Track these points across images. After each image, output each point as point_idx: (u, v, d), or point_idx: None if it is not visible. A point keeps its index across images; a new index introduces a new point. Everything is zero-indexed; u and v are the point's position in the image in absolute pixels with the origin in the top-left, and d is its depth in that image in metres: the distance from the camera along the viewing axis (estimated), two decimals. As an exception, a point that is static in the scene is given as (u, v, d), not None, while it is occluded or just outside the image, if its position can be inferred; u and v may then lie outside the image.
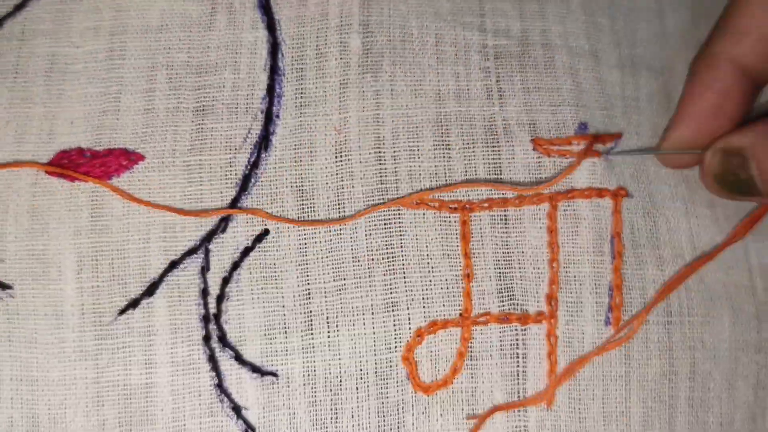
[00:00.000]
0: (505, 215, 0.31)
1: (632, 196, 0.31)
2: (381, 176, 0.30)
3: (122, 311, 0.29)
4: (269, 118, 0.30)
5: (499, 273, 0.30)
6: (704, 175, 0.30)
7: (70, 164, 0.29)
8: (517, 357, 0.29)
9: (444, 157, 0.31)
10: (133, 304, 0.29)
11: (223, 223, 0.29)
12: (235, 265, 0.29)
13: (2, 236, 0.29)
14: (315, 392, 0.29)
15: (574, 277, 0.30)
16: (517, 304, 0.30)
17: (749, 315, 0.30)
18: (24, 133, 0.30)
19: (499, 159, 0.31)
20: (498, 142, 0.31)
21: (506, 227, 0.30)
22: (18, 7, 0.31)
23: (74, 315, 0.29)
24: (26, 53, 0.31)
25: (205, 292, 0.29)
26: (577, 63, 0.32)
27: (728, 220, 0.31)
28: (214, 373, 0.29)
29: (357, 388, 0.29)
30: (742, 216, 0.31)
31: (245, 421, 0.28)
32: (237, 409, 0.28)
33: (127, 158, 0.30)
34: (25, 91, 0.30)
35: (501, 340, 0.30)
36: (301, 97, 0.31)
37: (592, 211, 0.31)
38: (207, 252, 0.29)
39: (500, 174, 0.31)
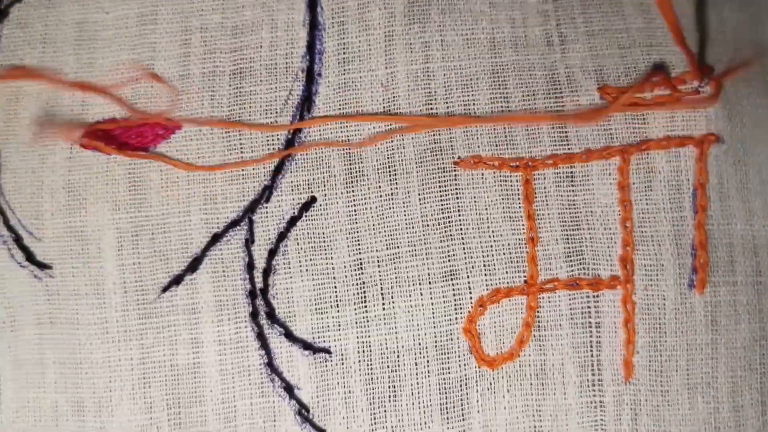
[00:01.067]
0: (572, 172, 0.28)
1: (723, 142, 0.28)
2: (434, 135, 0.28)
3: (165, 288, 0.27)
4: (311, 77, 0.28)
5: (567, 235, 0.27)
6: None
7: (105, 136, 0.28)
8: (590, 326, 0.27)
9: (503, 111, 0.28)
10: (176, 280, 0.27)
11: (267, 192, 0.28)
12: (282, 236, 0.27)
13: (39, 214, 0.28)
14: (371, 369, 0.27)
15: (651, 236, 0.27)
16: (588, 269, 0.27)
17: None
18: (55, 105, 0.29)
19: (563, 109, 0.28)
20: (561, 92, 0.28)
21: (573, 185, 0.28)
22: None
23: (116, 294, 0.27)
24: (53, 21, 0.29)
25: (250, 266, 0.27)
26: None
27: None
28: (263, 351, 0.27)
29: (416, 364, 0.27)
30: None
31: (298, 401, 0.27)
32: (289, 389, 0.27)
33: (164, 127, 0.28)
34: (55, 60, 0.29)
35: (571, 308, 0.27)
36: (344, 52, 0.28)
37: (670, 163, 0.28)
38: (251, 223, 0.27)
39: (565, 128, 0.28)
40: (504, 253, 0.27)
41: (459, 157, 0.28)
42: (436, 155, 0.28)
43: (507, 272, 0.27)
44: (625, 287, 0.27)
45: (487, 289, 0.27)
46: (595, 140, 0.28)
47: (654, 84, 0.27)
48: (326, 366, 0.27)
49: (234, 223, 0.27)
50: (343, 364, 0.27)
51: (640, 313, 0.27)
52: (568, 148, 0.28)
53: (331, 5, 0.29)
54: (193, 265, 0.27)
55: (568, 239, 0.27)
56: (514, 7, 0.29)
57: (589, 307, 0.27)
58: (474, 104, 0.28)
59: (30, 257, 0.28)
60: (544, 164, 0.28)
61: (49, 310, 0.28)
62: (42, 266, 0.28)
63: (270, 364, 0.27)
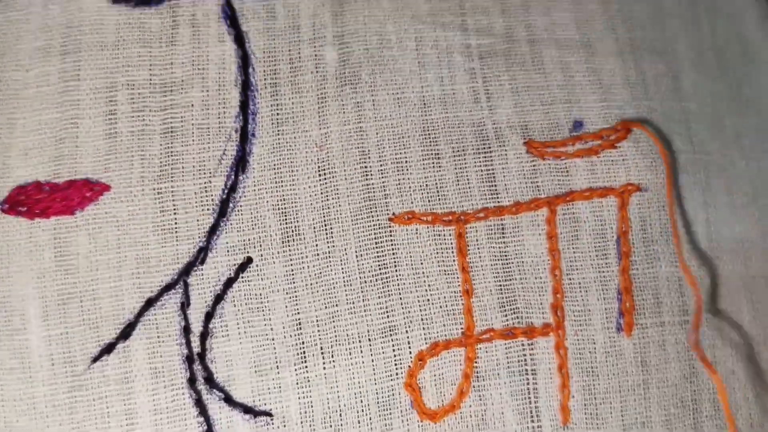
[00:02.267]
0: (502, 224, 0.29)
1: (646, 190, 0.29)
2: (369, 192, 0.28)
3: (96, 358, 0.26)
4: (245, 137, 0.28)
5: (500, 285, 0.28)
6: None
7: (28, 200, 0.27)
8: (527, 373, 0.28)
9: (434, 167, 0.29)
10: (108, 349, 0.26)
11: (202, 254, 0.27)
12: (218, 299, 0.27)
13: None
14: (314, 430, 0.27)
15: (579, 283, 0.29)
16: (522, 317, 0.28)
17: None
18: None
19: (492, 165, 0.29)
20: (490, 147, 0.29)
21: (504, 237, 0.29)
22: None
23: (43, 367, 0.26)
24: None
25: (186, 330, 0.27)
26: (567, 56, 0.30)
27: (745, 206, 0.30)
28: (202, 419, 0.26)
29: (359, 422, 0.27)
30: (760, 200, 0.30)
31: (240, 468, 0.26)
32: (230, 456, 0.26)
33: (91, 189, 0.27)
34: None
35: (508, 357, 0.28)
36: (278, 113, 0.29)
37: (593, 213, 0.29)
38: (186, 286, 0.27)
39: (494, 181, 0.29)
40: (441, 306, 0.28)
41: (393, 214, 0.28)
42: (371, 212, 0.28)
43: (444, 325, 0.28)
44: (557, 333, 0.28)
45: (426, 343, 0.28)
46: (523, 193, 0.29)
47: (575, 138, 0.29)
48: (268, 429, 0.27)
49: (168, 287, 0.27)
50: (285, 426, 0.27)
51: (573, 357, 0.28)
52: (498, 201, 0.29)
53: (263, 67, 0.29)
54: (126, 332, 0.26)
55: (501, 290, 0.28)
56: (442, 66, 0.30)
57: (524, 354, 0.28)
58: (406, 161, 0.29)
59: (-53, 332, 0.26)
60: (476, 218, 0.29)
61: (-30, 388, 0.26)
62: (-39, 341, 0.26)
63: (210, 432, 0.26)
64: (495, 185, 0.29)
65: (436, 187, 0.29)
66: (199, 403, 0.26)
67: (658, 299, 0.29)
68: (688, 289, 0.29)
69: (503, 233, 0.29)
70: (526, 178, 0.29)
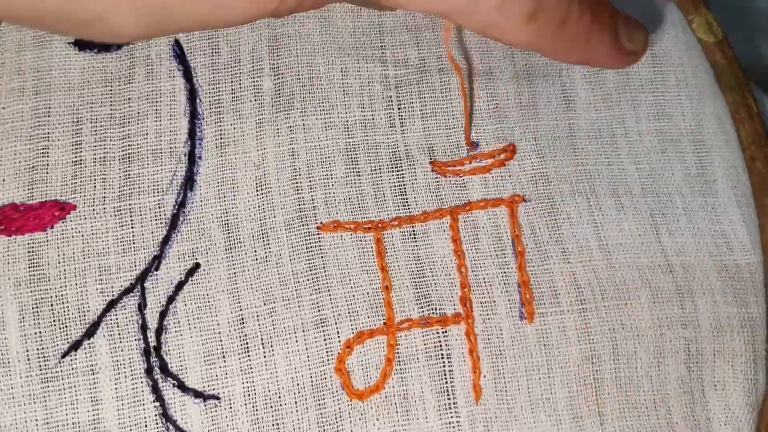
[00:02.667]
0: (413, 230, 0.33)
1: (530, 201, 0.34)
2: (300, 205, 0.33)
3: (65, 354, 0.30)
4: (192, 160, 0.32)
5: (415, 282, 0.33)
6: None
7: (5, 219, 0.31)
8: (442, 357, 0.32)
9: (355, 183, 0.33)
10: (75, 346, 0.30)
11: (157, 261, 0.31)
12: (171, 299, 0.31)
13: None
14: (256, 410, 0.31)
15: (483, 279, 0.33)
16: (436, 309, 0.32)
17: (669, 292, 0.33)
18: None
19: (404, 181, 0.34)
20: (402, 166, 0.34)
21: (415, 241, 0.33)
22: None
23: (20, 361, 0.30)
24: None
25: (144, 327, 0.31)
26: (471, 83, 0.35)
27: (634, 204, 0.34)
28: (158, 403, 0.30)
29: (296, 402, 0.31)
30: (648, 198, 0.34)
31: (192, 445, 0.30)
32: (184, 435, 0.30)
33: (60, 209, 0.31)
34: None
35: (425, 344, 0.32)
36: (221, 138, 0.33)
37: (489, 220, 0.34)
38: (143, 289, 0.31)
39: (405, 194, 0.33)
40: (364, 301, 0.32)
41: (321, 223, 0.33)
42: (302, 221, 0.33)
43: (368, 317, 0.32)
44: (467, 322, 0.32)
45: (353, 333, 0.32)
46: (430, 204, 0.33)
47: (471, 157, 0.33)
48: (216, 411, 0.31)
49: (127, 291, 0.31)
50: (231, 408, 0.31)
51: (482, 342, 0.32)
52: (409, 212, 0.33)
53: (208, 98, 0.33)
54: (91, 331, 0.31)
55: (416, 285, 0.33)
56: (363, 94, 0.34)
57: (439, 341, 0.32)
58: (332, 177, 0.33)
59: (-64, 334, 0.30)
60: (391, 225, 0.33)
61: (-46, 381, 0.30)
62: (-53, 341, 0.30)
63: (165, 414, 0.30)
64: (406, 198, 0.33)
65: (358, 200, 0.33)
66: (156, 390, 0.30)
67: (555, 291, 0.33)
68: (582, 282, 0.33)
69: (415, 238, 0.33)
70: (431, 191, 0.34)
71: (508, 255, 0.33)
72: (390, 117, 0.34)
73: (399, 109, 0.34)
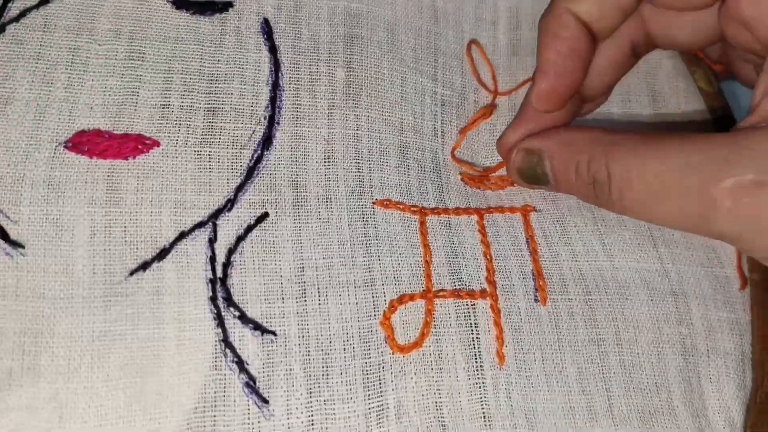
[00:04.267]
0: (449, 220, 0.38)
1: (540, 211, 0.40)
2: (359, 181, 0.37)
3: (132, 272, 0.31)
4: (271, 123, 0.36)
5: (449, 261, 0.37)
6: (509, 168, 0.39)
7: (90, 142, 0.32)
8: (471, 325, 0.35)
9: (404, 174, 0.38)
10: (144, 266, 0.31)
11: (230, 204, 0.34)
12: (239, 239, 0.33)
13: (18, 201, 0.31)
14: (309, 351, 0.32)
15: (504, 266, 0.38)
16: (465, 285, 0.36)
17: (665, 293, 0.38)
18: (44, 112, 0.33)
19: (441, 182, 0.39)
20: (440, 170, 0.39)
21: (450, 229, 0.38)
22: (42, 2, 0.35)
23: (85, 273, 0.30)
24: (49, 43, 0.34)
25: (212, 259, 0.32)
26: (495, 119, 0.42)
27: (633, 220, 0.40)
28: (220, 329, 0.31)
29: (344, 349, 0.33)
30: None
31: (247, 374, 0.31)
32: (240, 363, 0.31)
33: (143, 142, 0.33)
34: (47, 76, 0.33)
35: (457, 312, 0.36)
36: (297, 110, 0.37)
37: (507, 222, 0.39)
38: (215, 226, 0.33)
39: (442, 192, 0.39)
40: (408, 270, 0.36)
41: (376, 199, 0.37)
42: (360, 195, 0.37)
43: (410, 284, 0.36)
44: (492, 298, 0.37)
45: (396, 295, 0.35)
46: (460, 203, 0.39)
47: (480, 181, 0.40)
48: (272, 346, 0.32)
49: (200, 225, 0.33)
50: (286, 345, 0.32)
51: (504, 317, 0.36)
52: (445, 205, 0.39)
53: (288, 74, 0.38)
54: (161, 255, 0.31)
55: (450, 264, 0.37)
56: (416, 103, 0.40)
57: (469, 311, 0.36)
58: (387, 165, 0.38)
59: (4, 236, 0.30)
60: (432, 212, 0.38)
61: (15, 284, 0.29)
62: (15, 244, 0.30)
63: (225, 340, 0.31)
64: (443, 195, 0.39)
65: (406, 187, 0.38)
66: (218, 317, 0.31)
67: (564, 283, 0.38)
68: (588, 277, 0.38)
69: (449, 226, 0.38)
70: (461, 194, 0.39)
71: (524, 250, 0.38)
72: (435, 128, 0.40)
73: (442, 123, 0.40)
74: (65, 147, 0.32)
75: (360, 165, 0.37)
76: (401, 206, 0.37)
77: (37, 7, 0.35)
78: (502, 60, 0.43)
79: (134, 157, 0.33)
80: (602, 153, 0.33)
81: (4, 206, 0.30)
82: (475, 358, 0.35)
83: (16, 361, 0.28)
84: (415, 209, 0.38)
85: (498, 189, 0.40)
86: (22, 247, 0.30)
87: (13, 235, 0.30)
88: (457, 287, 0.36)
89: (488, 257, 0.38)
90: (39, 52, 0.34)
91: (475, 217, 0.39)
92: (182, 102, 0.35)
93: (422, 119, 0.40)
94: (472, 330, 0.36)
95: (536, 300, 0.38)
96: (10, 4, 0.34)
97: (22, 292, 0.29)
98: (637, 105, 0.44)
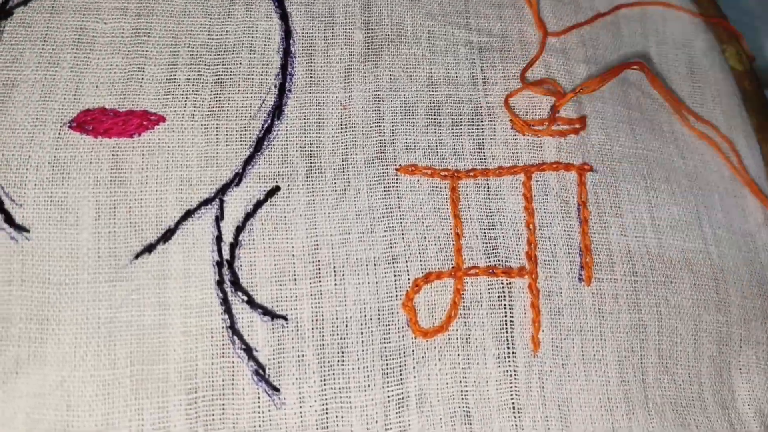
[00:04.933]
0: (487, 183, 0.35)
1: (597, 171, 0.35)
2: (381, 147, 0.34)
3: (138, 255, 0.30)
4: (282, 91, 0.33)
5: (485, 233, 0.33)
6: None
7: (94, 121, 0.31)
8: (504, 307, 0.32)
9: (435, 132, 0.35)
10: (149, 249, 0.30)
11: (238, 178, 0.32)
12: (248, 216, 0.31)
13: (23, 183, 0.30)
14: (323, 336, 0.30)
15: (549, 238, 0.34)
16: (502, 260, 0.33)
17: (707, 277, 0.35)
18: (50, 92, 0.32)
19: (483, 136, 0.35)
20: (482, 122, 0.35)
21: (488, 194, 0.34)
22: None
23: (90, 258, 0.30)
24: (55, 24, 0.33)
25: (219, 239, 0.31)
26: (549, 57, 0.37)
27: (683, 193, 0.36)
28: (226, 316, 0.30)
29: (362, 333, 0.31)
30: (694, 189, 0.37)
31: (256, 362, 0.29)
32: (248, 350, 0.29)
33: (148, 119, 0.32)
34: (53, 57, 0.33)
35: (489, 292, 0.32)
36: (311, 77, 0.34)
37: (559, 182, 0.35)
38: (221, 203, 0.31)
39: (483, 149, 0.35)
40: (435, 244, 0.33)
41: (400, 165, 0.34)
42: (381, 161, 0.34)
43: (438, 260, 0.33)
44: (531, 276, 0.33)
45: (422, 273, 0.32)
46: (506, 160, 0.35)
47: (550, 120, 0.35)
48: (283, 331, 0.30)
49: (206, 202, 0.31)
50: (297, 330, 0.30)
51: (543, 298, 0.33)
52: (485, 165, 0.35)
53: (301, 40, 0.35)
54: (166, 236, 0.30)
55: (485, 236, 0.33)
56: (448, 54, 0.36)
57: (503, 291, 0.33)
58: (414, 125, 0.34)
59: (9, 220, 0.29)
60: (467, 176, 0.34)
61: (21, 270, 0.29)
62: (20, 229, 0.29)
63: (232, 327, 0.30)
64: (483, 152, 0.35)
65: (436, 148, 0.34)
66: (225, 303, 0.30)
67: (611, 261, 0.34)
68: (635, 255, 0.34)
69: (488, 191, 0.34)
70: (509, 148, 0.35)
71: (573, 219, 0.34)
72: (473, 77, 0.36)
73: (482, 70, 0.36)
74: (70, 127, 0.31)
75: (382, 128, 0.34)
76: (429, 171, 0.34)
77: None
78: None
79: (139, 135, 0.32)
80: None
81: (10, 189, 0.30)
82: (507, 344, 0.32)
83: (22, 348, 0.28)
84: (445, 173, 0.34)
85: (560, 136, 0.36)
86: (27, 231, 0.29)
87: (18, 219, 0.30)
88: (492, 263, 0.33)
89: (531, 227, 0.34)
90: (46, 34, 0.33)
91: (521, 177, 0.35)
92: (189, 75, 0.33)
93: (456, 69, 0.36)
94: (505, 312, 0.32)
95: (580, 279, 0.34)
96: (17, -14, 0.34)
97: (28, 277, 0.29)
98: (676, 76, 0.40)
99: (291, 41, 0.34)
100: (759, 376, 0.34)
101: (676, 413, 0.32)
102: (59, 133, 0.31)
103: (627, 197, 0.35)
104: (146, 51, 0.33)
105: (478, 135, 0.35)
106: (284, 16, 0.35)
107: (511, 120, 0.35)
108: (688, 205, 0.37)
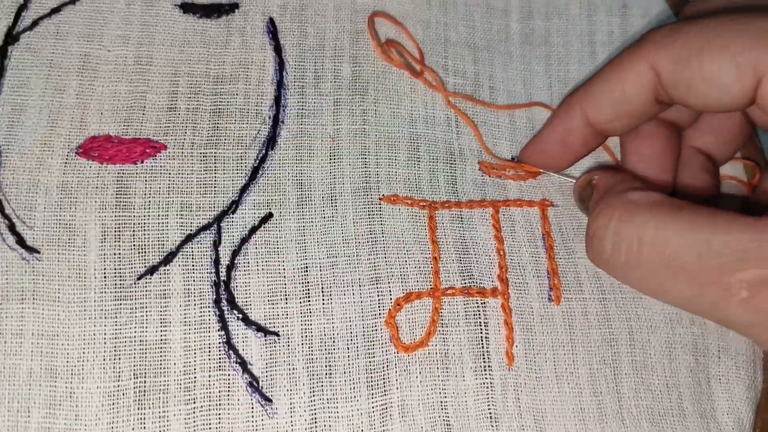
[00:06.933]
0: (461, 214, 0.37)
1: (557, 206, 0.39)
2: (366, 178, 0.37)
3: (141, 276, 0.32)
4: (276, 123, 0.36)
5: (460, 258, 0.36)
6: (575, 191, 0.38)
7: (100, 148, 0.33)
8: (480, 324, 0.35)
9: (414, 167, 0.38)
10: (151, 270, 0.32)
11: (234, 205, 0.34)
12: (243, 241, 0.34)
13: (32, 207, 0.32)
14: (312, 351, 0.33)
15: (518, 263, 0.37)
16: (476, 282, 0.36)
17: None
18: (57, 118, 0.34)
19: (455, 173, 0.38)
20: (455, 161, 0.38)
21: (462, 223, 0.37)
22: (54, 11, 0.36)
23: (96, 278, 0.32)
24: (60, 50, 0.35)
25: (216, 262, 0.33)
26: (513, 104, 0.40)
27: None
28: (223, 332, 0.32)
29: (348, 348, 0.33)
30: None
31: (250, 374, 0.32)
32: (243, 364, 0.32)
33: (151, 146, 0.34)
34: (59, 83, 0.35)
35: (466, 311, 0.35)
36: (302, 108, 0.37)
37: (524, 216, 0.38)
38: (219, 229, 0.34)
39: (455, 184, 0.38)
40: (415, 267, 0.36)
41: (383, 195, 0.37)
42: (366, 191, 0.36)
43: (417, 281, 0.35)
44: (503, 297, 0.36)
45: (403, 293, 0.35)
46: (475, 195, 0.38)
47: (511, 166, 0.39)
48: (275, 347, 0.33)
49: (205, 227, 0.33)
50: (288, 346, 0.33)
51: (515, 316, 0.36)
52: (458, 198, 0.38)
53: (293, 72, 0.37)
54: (168, 259, 0.33)
55: (460, 260, 0.36)
56: (427, 94, 0.39)
57: (478, 309, 0.35)
58: (395, 159, 0.37)
59: (21, 241, 0.31)
60: (442, 206, 0.37)
61: (33, 289, 0.31)
62: (31, 250, 0.31)
63: (228, 342, 0.32)
64: (456, 187, 0.38)
65: (415, 181, 0.37)
66: (222, 320, 0.32)
67: (579, 281, 0.37)
68: (603, 275, 0.37)
69: (461, 220, 0.37)
70: (477, 186, 0.38)
71: (539, 247, 0.37)
72: (448, 118, 0.39)
73: (456, 115, 0.39)
74: (77, 153, 0.33)
75: (367, 161, 0.37)
76: (409, 201, 0.37)
77: (49, 15, 0.36)
78: (515, 48, 0.42)
79: (142, 161, 0.34)
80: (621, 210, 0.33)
81: (21, 212, 0.32)
82: (483, 358, 0.35)
83: (35, 362, 0.30)
84: (424, 204, 0.37)
85: (519, 180, 0.39)
86: (38, 252, 0.32)
87: (29, 241, 0.32)
88: (467, 285, 0.36)
89: (501, 253, 0.37)
90: (51, 60, 0.35)
91: (489, 210, 0.38)
92: (188, 105, 0.36)
93: (434, 109, 0.39)
94: (481, 329, 0.35)
95: (550, 299, 0.37)
96: (23, 14, 0.35)
97: (39, 296, 0.31)
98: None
99: (284, 73, 0.37)
100: (738, 386, 0.37)
101: (653, 423, 0.35)
102: (66, 159, 0.33)
103: None
104: (148, 79, 0.36)
105: (451, 172, 0.38)
106: (278, 48, 0.37)
107: (479, 162, 0.39)
108: None
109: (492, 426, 0.34)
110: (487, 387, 0.34)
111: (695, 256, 0.30)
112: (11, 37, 0.35)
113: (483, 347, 0.35)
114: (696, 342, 0.37)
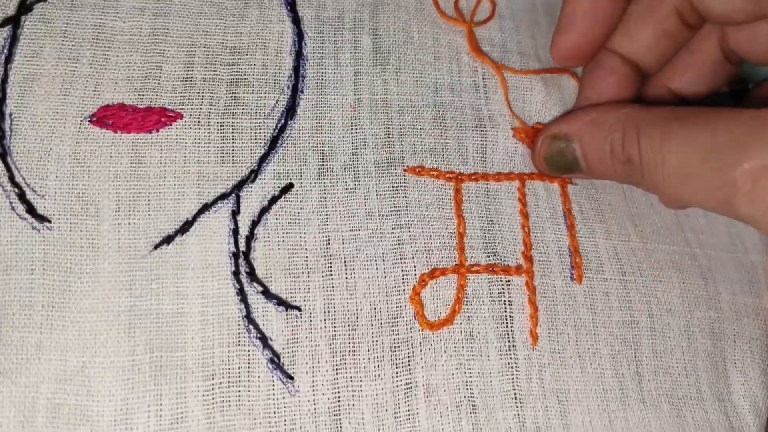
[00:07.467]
0: (487, 188, 0.36)
1: (576, 184, 0.38)
2: (389, 147, 0.35)
3: (156, 246, 0.31)
4: (295, 92, 0.35)
5: (485, 234, 0.35)
6: (535, 156, 0.37)
7: (113, 116, 0.32)
8: (504, 303, 0.34)
9: (441, 136, 0.36)
10: (167, 240, 0.31)
11: (253, 175, 0.33)
12: (263, 211, 0.32)
13: (44, 176, 0.31)
14: (335, 327, 0.32)
15: (542, 240, 0.36)
16: (501, 260, 0.35)
17: (695, 276, 0.37)
18: (70, 87, 0.33)
19: (485, 142, 0.37)
20: (485, 128, 0.37)
21: (488, 197, 0.36)
22: None
23: (110, 248, 0.30)
24: (75, 21, 0.34)
25: (235, 232, 0.32)
26: (542, 68, 0.39)
27: (661, 203, 0.38)
28: (243, 305, 0.31)
29: (372, 325, 0.32)
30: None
31: (271, 350, 0.30)
32: (263, 339, 0.30)
33: (167, 115, 0.33)
34: (73, 53, 0.33)
35: (490, 288, 0.34)
36: (322, 79, 0.36)
37: (546, 191, 0.37)
38: (238, 198, 0.32)
39: (485, 153, 0.37)
40: (440, 242, 0.34)
41: (407, 166, 0.35)
42: (390, 162, 0.35)
43: (442, 257, 0.34)
44: (527, 275, 0.35)
45: (428, 268, 0.34)
46: (504, 167, 0.37)
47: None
48: (296, 322, 0.31)
49: (223, 197, 0.32)
50: (311, 321, 0.31)
51: (539, 295, 0.35)
52: (486, 170, 0.37)
53: (312, 44, 0.36)
54: (184, 228, 0.31)
55: (485, 236, 0.35)
56: (452, 62, 0.38)
57: (503, 288, 0.34)
58: (420, 129, 0.36)
59: (31, 210, 0.30)
60: (469, 179, 0.36)
61: (43, 259, 0.30)
62: (41, 219, 0.30)
63: (248, 317, 0.31)
64: (485, 157, 0.37)
65: (442, 151, 0.36)
66: (241, 292, 0.31)
67: (600, 261, 0.36)
68: (623, 257, 0.36)
69: (488, 194, 0.36)
70: (508, 155, 0.37)
71: (561, 224, 0.36)
72: (475, 84, 0.38)
73: (483, 78, 0.38)
74: (90, 121, 0.32)
75: (390, 131, 0.36)
76: (435, 172, 0.36)
77: None
78: (541, 17, 0.41)
79: (157, 131, 0.33)
80: (634, 130, 0.32)
81: (31, 180, 0.31)
82: (508, 338, 0.34)
83: (44, 335, 0.29)
84: (450, 175, 0.36)
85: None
86: (49, 221, 0.30)
87: (39, 210, 0.30)
88: (492, 262, 0.35)
89: (526, 230, 0.36)
90: (65, 30, 0.34)
91: (516, 183, 0.37)
92: (205, 75, 0.34)
93: (460, 77, 0.38)
94: (505, 307, 0.34)
95: (572, 278, 0.36)
96: (36, -18, 0.34)
97: (50, 266, 0.30)
98: None
99: (303, 44, 0.36)
100: (754, 370, 0.36)
101: (672, 405, 0.34)
102: (80, 128, 0.32)
103: (608, 206, 0.38)
104: (164, 50, 0.34)
105: (481, 140, 0.37)
106: (296, 20, 0.36)
107: (513, 128, 0.38)
108: (668, 214, 0.39)
109: (516, 407, 0.33)
110: (512, 367, 0.33)
111: (700, 158, 0.30)
112: (24, 6, 0.34)
113: (507, 326, 0.34)
114: (713, 326, 0.37)
